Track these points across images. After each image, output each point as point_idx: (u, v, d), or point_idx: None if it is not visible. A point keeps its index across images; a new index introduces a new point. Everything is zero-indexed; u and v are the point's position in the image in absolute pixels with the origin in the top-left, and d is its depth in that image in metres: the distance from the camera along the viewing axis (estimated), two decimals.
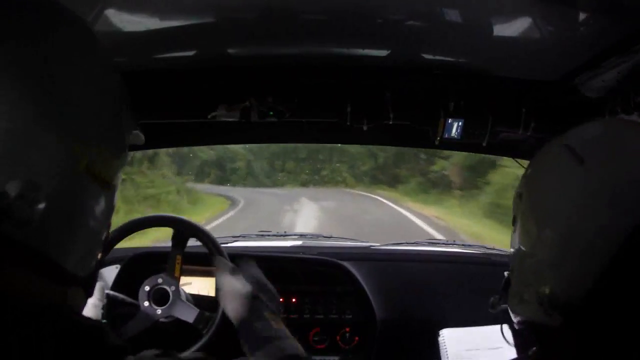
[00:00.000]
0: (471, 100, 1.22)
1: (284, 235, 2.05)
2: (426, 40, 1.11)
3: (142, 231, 1.38)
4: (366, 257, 1.70)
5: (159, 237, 3.31)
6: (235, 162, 20.01)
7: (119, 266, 1.48)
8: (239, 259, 1.06)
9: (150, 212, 5.05)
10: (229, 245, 1.74)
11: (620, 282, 0.56)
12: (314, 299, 1.53)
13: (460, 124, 1.21)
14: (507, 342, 0.82)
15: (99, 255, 0.52)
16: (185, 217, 1.38)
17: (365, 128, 1.26)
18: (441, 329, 1.45)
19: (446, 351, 1.41)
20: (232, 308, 0.91)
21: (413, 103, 1.26)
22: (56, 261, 0.45)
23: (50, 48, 0.43)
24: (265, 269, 1.04)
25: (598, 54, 0.98)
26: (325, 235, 2.02)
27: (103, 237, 0.52)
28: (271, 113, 1.22)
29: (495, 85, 1.25)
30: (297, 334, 0.83)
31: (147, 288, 1.24)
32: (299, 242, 1.85)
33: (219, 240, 1.35)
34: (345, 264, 1.57)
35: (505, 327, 0.81)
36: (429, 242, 1.94)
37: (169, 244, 1.33)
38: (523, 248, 0.67)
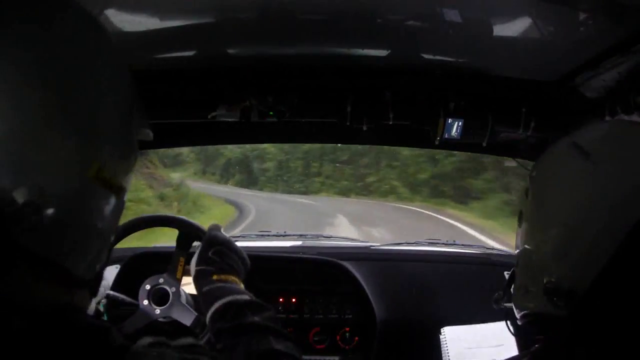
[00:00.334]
0: (471, 100, 1.23)
1: (284, 235, 2.04)
2: (426, 40, 1.11)
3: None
4: (366, 257, 1.70)
5: (158, 238, 3.29)
6: (265, 163, 17.32)
7: (119, 266, 1.48)
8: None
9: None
10: None
11: (624, 272, 0.57)
12: (314, 299, 1.53)
13: (460, 124, 1.21)
14: (513, 333, 0.82)
15: (106, 257, 0.52)
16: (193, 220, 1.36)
17: (365, 128, 1.26)
18: (441, 328, 1.45)
19: (447, 349, 1.41)
20: (196, 291, 0.88)
21: (413, 103, 1.26)
22: (65, 265, 0.44)
23: (64, 49, 0.42)
24: (265, 269, 1.04)
25: (598, 54, 0.98)
26: (325, 235, 2.02)
27: (111, 239, 0.51)
28: (271, 113, 1.23)
29: (495, 85, 1.25)
30: (297, 334, 0.82)
31: (147, 287, 1.23)
32: (299, 242, 1.85)
33: None
34: (345, 264, 1.57)
35: (508, 324, 0.82)
36: (429, 242, 1.93)
37: (169, 244, 1.33)
38: (529, 243, 0.68)
